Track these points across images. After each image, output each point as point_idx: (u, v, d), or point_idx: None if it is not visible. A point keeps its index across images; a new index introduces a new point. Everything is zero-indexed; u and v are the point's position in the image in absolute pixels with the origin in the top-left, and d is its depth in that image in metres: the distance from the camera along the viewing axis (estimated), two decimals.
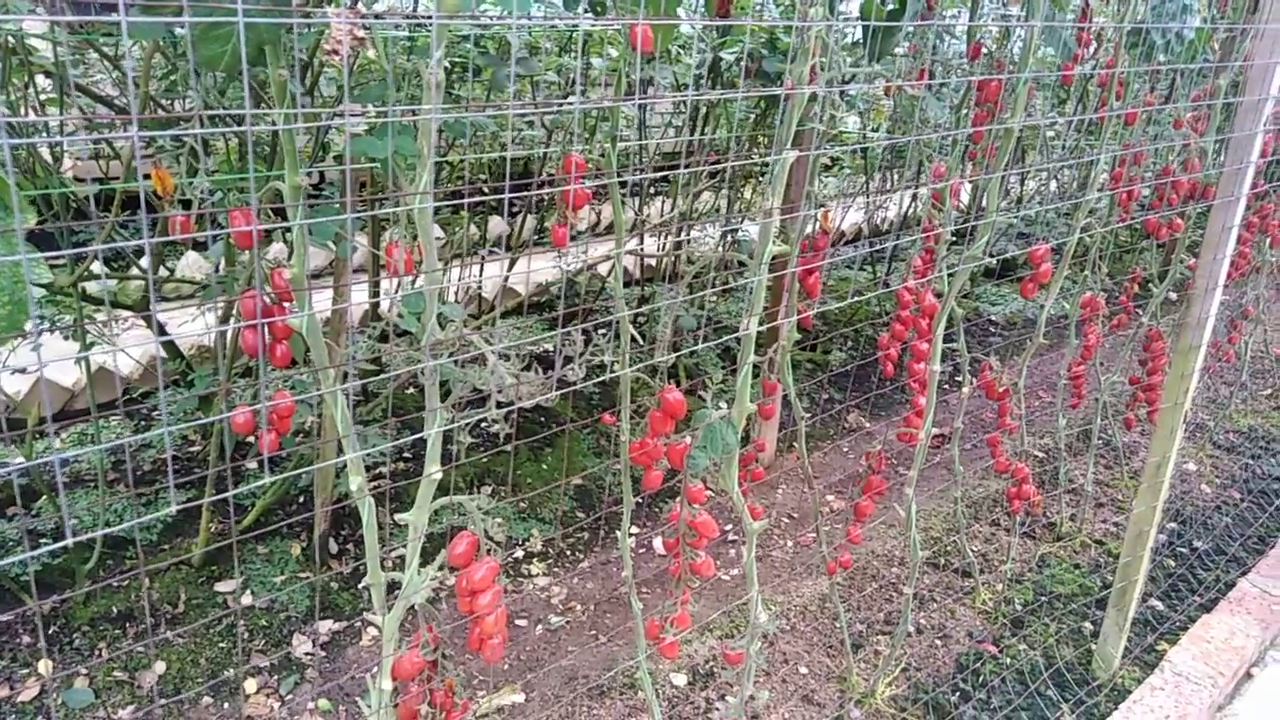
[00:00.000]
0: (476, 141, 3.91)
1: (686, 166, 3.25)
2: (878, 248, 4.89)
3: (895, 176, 5.13)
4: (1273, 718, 2.35)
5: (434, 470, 1.24)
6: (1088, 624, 2.64)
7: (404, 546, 1.34)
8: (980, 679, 2.39)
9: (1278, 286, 3.82)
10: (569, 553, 2.99)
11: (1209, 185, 2.46)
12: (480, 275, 4.07)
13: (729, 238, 3.81)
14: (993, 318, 5.29)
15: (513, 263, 3.89)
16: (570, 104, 1.42)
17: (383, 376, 2.98)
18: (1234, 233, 2.01)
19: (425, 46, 2.39)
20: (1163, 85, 2.69)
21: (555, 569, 2.91)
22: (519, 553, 2.95)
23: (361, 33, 0.66)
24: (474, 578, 1.34)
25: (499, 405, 1.09)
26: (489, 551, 1.31)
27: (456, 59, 3.24)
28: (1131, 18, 1.77)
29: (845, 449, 3.82)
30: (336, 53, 0.66)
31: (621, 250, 1.65)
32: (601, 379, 1.44)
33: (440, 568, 1.33)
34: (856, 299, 4.58)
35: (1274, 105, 2.11)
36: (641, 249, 4.08)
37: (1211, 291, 2.05)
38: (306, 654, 2.48)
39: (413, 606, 1.29)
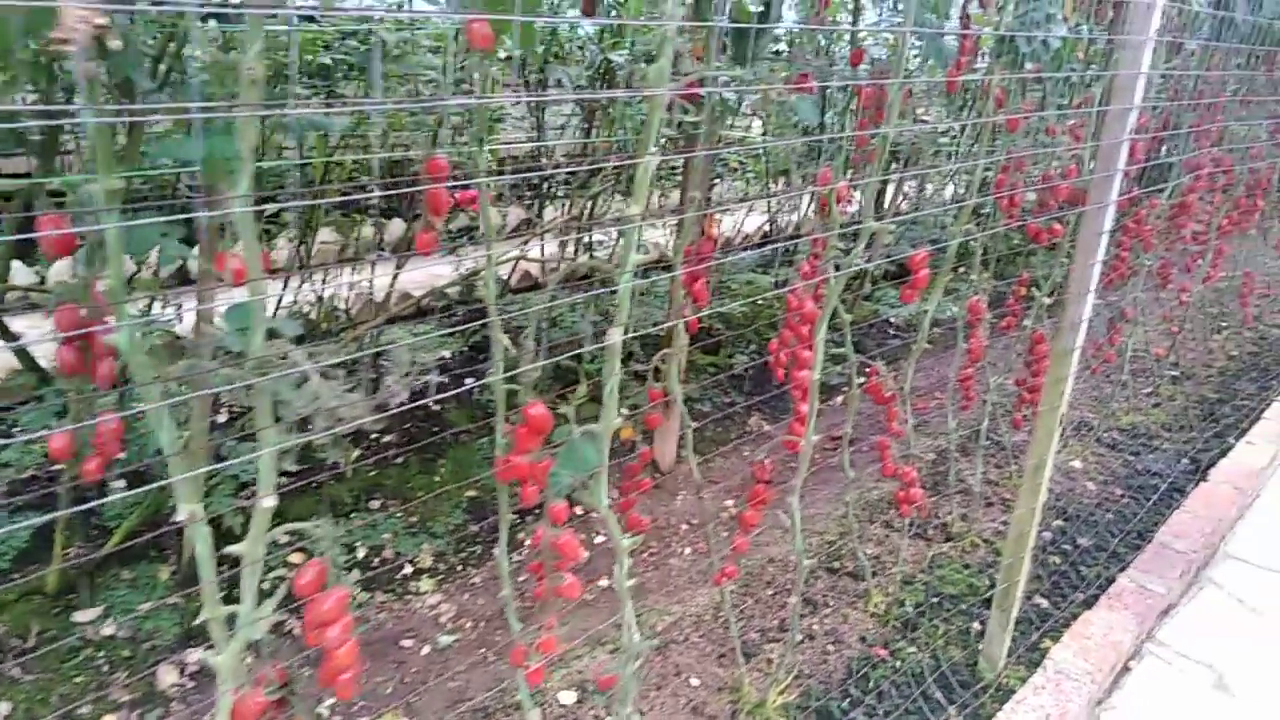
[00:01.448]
0: (367, 143, 3.78)
1: (572, 170, 3.19)
2: (769, 247, 4.92)
3: (799, 180, 5.17)
4: (1148, 709, 2.42)
5: (267, 499, 1.14)
6: (976, 624, 2.68)
7: (282, 562, 1.25)
8: (870, 684, 2.40)
9: (1156, 288, 3.96)
10: (460, 567, 2.90)
11: (1087, 191, 2.52)
12: (372, 278, 3.94)
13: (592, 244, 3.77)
14: (892, 319, 5.38)
15: (398, 265, 3.76)
16: (431, 102, 1.35)
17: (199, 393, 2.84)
18: (1105, 238, 2.05)
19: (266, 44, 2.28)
20: (1038, 94, 2.75)
21: (446, 585, 2.81)
22: (408, 569, 2.85)
23: (103, 20, 0.58)
24: (322, 609, 1.25)
25: (327, 429, 1.01)
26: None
27: (339, 56, 3.12)
28: (1000, 27, 1.78)
29: (746, 452, 3.81)
30: (67, 43, 0.58)
31: (492, 258, 1.58)
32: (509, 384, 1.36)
33: (282, 601, 1.24)
34: (751, 300, 4.59)
35: (1143, 114, 2.16)
36: (522, 254, 4.00)
37: (1084, 296, 2.08)
38: (174, 685, 2.33)
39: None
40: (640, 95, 1.20)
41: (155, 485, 1.16)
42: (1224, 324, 5.33)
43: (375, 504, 3.04)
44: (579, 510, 3.22)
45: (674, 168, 4.57)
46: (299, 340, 1.10)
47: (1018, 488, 3.46)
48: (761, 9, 1.58)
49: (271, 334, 1.10)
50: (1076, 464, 3.76)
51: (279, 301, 3.32)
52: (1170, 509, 3.35)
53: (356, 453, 3.22)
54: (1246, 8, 2.82)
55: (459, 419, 3.50)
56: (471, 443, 3.40)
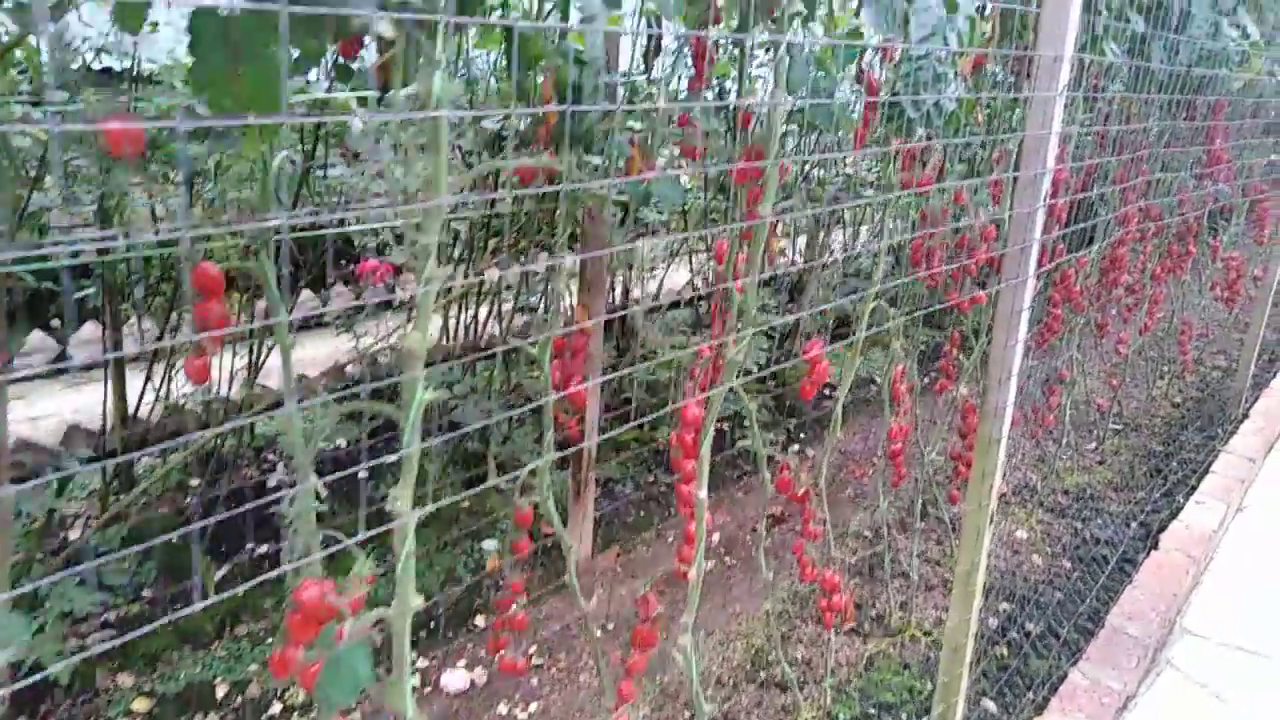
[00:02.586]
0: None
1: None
2: (688, 305, 4.68)
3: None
4: None
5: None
6: None
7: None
8: None
9: (1094, 340, 3.79)
10: None
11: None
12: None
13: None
14: (830, 380, 5.15)
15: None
16: None
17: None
18: (1025, 317, 1.82)
19: None
20: (951, 157, 2.56)
21: None
22: (276, 707, 2.49)
23: None
24: None
25: None
26: None
27: None
28: (885, 88, 1.57)
29: (671, 539, 3.52)
30: None
31: (289, 348, 1.29)
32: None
33: None
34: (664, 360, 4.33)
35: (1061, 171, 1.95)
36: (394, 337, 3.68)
37: (1006, 381, 1.84)
38: None
39: None
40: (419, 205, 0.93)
41: None
42: (1165, 369, 5.19)
43: (243, 628, 2.69)
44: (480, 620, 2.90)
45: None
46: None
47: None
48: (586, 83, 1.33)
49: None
50: (1022, 534, 3.53)
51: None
52: (1122, 584, 3.12)
53: (225, 568, 2.87)
54: (1162, 55, 2.67)
55: (350, 523, 3.16)
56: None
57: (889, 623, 2.90)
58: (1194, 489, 3.76)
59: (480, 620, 2.91)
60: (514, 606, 1.76)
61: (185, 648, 2.59)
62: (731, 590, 3.13)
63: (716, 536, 3.48)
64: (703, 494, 1.60)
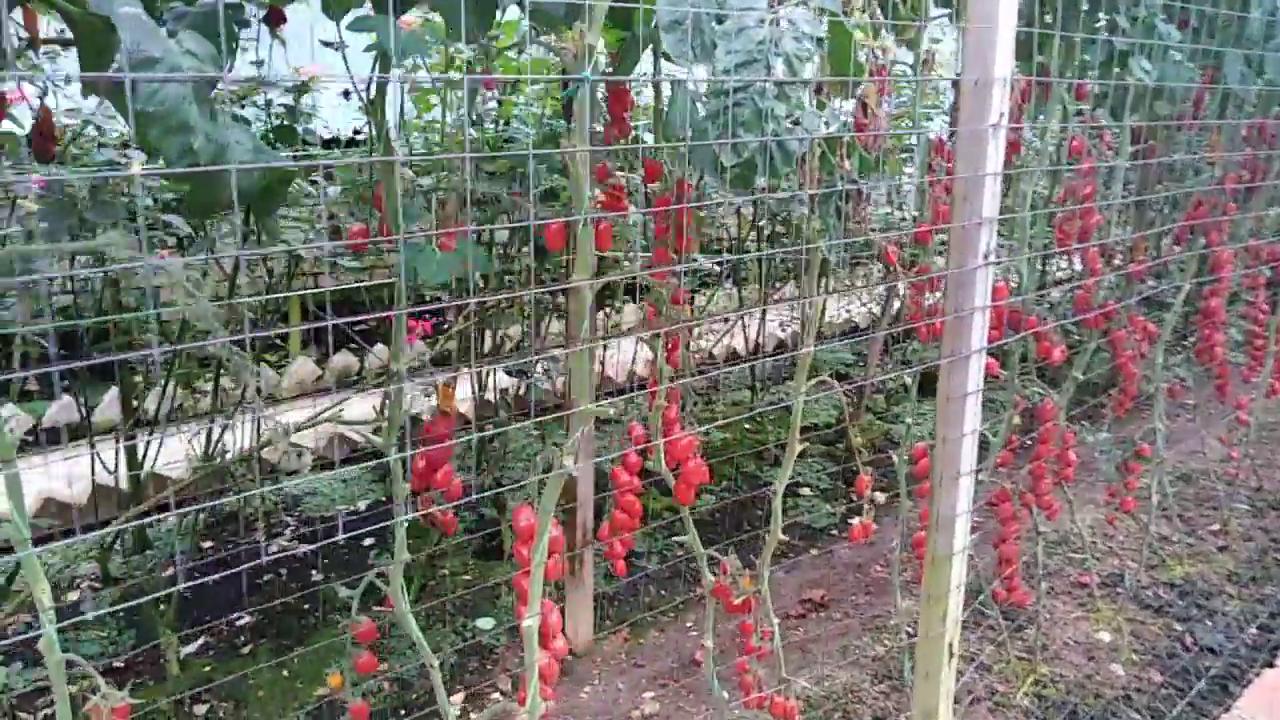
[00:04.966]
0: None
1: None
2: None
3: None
4: None
5: None
6: None
7: None
8: None
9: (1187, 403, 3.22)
10: None
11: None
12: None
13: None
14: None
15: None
16: None
17: None
18: (973, 403, 1.45)
19: None
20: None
21: None
22: None
23: None
24: None
25: None
26: None
27: None
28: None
29: (691, 621, 3.19)
30: None
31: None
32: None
33: None
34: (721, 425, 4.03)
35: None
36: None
37: (953, 482, 1.47)
38: None
39: None
40: None
41: None
42: None
43: (202, 709, 2.59)
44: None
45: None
46: None
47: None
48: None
49: None
50: (1104, 636, 2.98)
51: None
52: (1218, 708, 2.55)
53: (201, 641, 2.79)
54: (1243, 68, 2.19)
55: (327, 593, 3.03)
56: (340, 622, 2.92)
57: None
58: None
59: None
60: None
61: None
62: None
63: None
64: (531, 623, 1.32)
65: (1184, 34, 1.98)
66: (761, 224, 4.43)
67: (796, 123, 1.18)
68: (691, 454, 1.45)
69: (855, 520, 1.86)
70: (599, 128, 1.75)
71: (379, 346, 4.47)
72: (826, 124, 1.21)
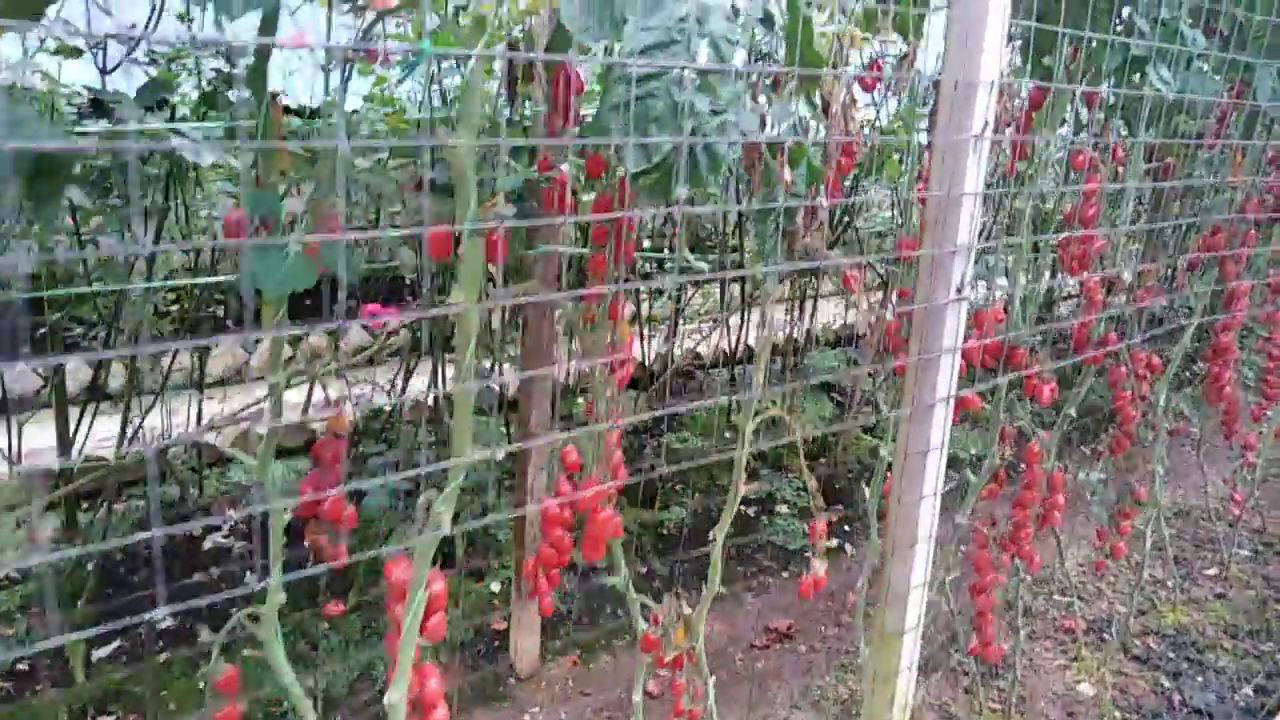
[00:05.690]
0: None
1: None
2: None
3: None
4: None
5: None
6: None
7: None
8: None
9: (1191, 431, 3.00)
10: None
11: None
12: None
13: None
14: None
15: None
16: None
17: None
18: (935, 460, 1.24)
19: None
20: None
21: None
22: None
23: None
24: None
25: None
26: None
27: None
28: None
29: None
30: None
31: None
32: None
33: None
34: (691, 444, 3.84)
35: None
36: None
37: (908, 550, 1.26)
38: None
39: None
40: None
41: None
42: None
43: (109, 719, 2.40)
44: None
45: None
46: None
47: None
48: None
49: None
50: (1086, 688, 2.77)
51: None
52: None
53: (114, 644, 2.60)
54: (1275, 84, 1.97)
55: (261, 600, 2.83)
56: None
57: None
58: None
59: None
60: None
61: None
62: None
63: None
64: (395, 698, 1.12)
65: (1211, 41, 1.75)
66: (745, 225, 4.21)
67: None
68: (600, 504, 1.24)
69: (808, 571, 1.66)
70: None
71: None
72: (773, 125, 1.00)
